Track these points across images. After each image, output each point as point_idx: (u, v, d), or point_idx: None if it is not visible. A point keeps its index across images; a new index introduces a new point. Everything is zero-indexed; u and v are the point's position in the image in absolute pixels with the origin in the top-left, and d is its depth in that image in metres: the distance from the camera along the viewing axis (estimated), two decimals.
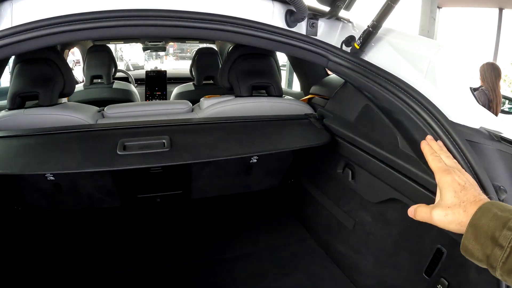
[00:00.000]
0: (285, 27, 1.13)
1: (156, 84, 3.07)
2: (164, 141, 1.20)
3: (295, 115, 1.54)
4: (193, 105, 1.61)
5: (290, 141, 1.42)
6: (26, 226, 1.62)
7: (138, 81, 3.40)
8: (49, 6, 0.94)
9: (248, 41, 1.05)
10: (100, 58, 2.72)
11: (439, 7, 5.09)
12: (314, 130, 1.45)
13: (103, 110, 1.40)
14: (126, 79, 3.25)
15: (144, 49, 3.83)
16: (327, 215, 1.61)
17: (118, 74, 3.19)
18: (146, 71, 3.19)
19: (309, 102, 1.73)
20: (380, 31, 1.06)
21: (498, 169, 0.82)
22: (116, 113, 1.38)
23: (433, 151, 0.67)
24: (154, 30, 0.98)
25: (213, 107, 1.44)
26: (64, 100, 1.87)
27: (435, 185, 0.93)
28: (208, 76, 2.81)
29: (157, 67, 4.45)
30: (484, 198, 0.55)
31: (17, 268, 1.37)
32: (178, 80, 3.45)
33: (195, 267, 1.50)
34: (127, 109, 1.44)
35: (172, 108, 1.49)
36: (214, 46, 3.56)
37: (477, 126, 0.88)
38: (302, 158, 1.77)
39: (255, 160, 1.70)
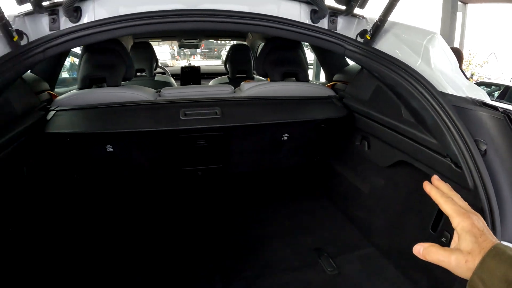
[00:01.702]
0: (310, 23, 1.42)
1: (190, 78, 3.38)
2: (216, 110, 1.53)
3: (320, 96, 1.83)
4: None
5: (315, 114, 1.71)
6: (83, 193, 1.94)
7: (173, 77, 3.76)
8: (120, 6, 1.26)
9: (282, 34, 1.35)
10: (143, 54, 3.06)
11: (465, 3, 5.18)
12: (335, 107, 1.74)
13: (160, 91, 1.73)
14: (162, 74, 3.61)
15: (180, 46, 4.19)
16: (347, 184, 1.89)
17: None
18: (181, 67, 3.54)
19: (333, 87, 2.01)
20: (386, 24, 1.33)
21: (480, 128, 1.06)
22: (172, 93, 1.70)
23: (443, 193, 0.59)
24: (210, 25, 1.29)
25: (252, 89, 1.74)
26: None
27: (434, 144, 1.20)
28: (241, 70, 3.12)
29: (190, 63, 4.81)
30: (497, 241, 0.52)
31: (72, 229, 1.72)
32: (210, 75, 3.78)
33: (234, 225, 1.82)
34: (181, 90, 1.78)
35: (218, 90, 1.81)
36: (246, 43, 3.84)
37: (463, 96, 1.14)
38: (325, 138, 2.04)
39: (286, 138, 1.98)
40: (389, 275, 1.46)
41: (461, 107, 1.10)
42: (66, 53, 2.17)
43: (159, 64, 3.77)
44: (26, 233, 1.40)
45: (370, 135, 1.66)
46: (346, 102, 1.77)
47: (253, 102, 1.69)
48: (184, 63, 9.61)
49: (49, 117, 1.48)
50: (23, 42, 1.13)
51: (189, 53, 10.71)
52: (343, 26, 1.51)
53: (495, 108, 1.07)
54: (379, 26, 1.32)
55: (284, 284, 1.43)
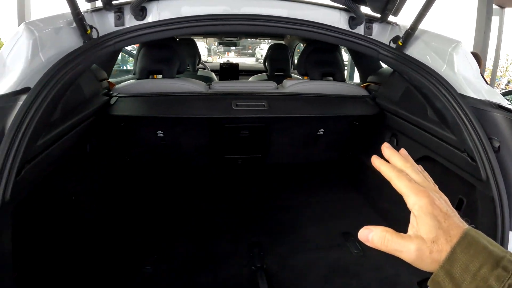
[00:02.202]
0: (348, 29, 1.59)
1: (229, 74, 3.56)
2: (264, 103, 1.74)
3: (354, 95, 1.99)
4: None
5: (349, 111, 1.88)
6: (130, 174, 2.17)
7: (215, 72, 4.00)
8: (181, 8, 1.46)
9: (323, 38, 1.53)
10: (187, 50, 3.31)
11: (502, 7, 5.09)
12: (368, 105, 1.90)
13: (210, 84, 1.95)
14: (203, 69, 3.86)
15: (220, 43, 4.44)
16: (375, 177, 2.03)
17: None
18: (220, 64, 3.76)
19: (366, 88, 2.16)
20: (417, 32, 1.48)
21: (494, 127, 1.20)
22: (221, 87, 1.92)
23: (395, 167, 0.48)
24: (258, 28, 1.49)
25: (294, 86, 1.93)
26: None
27: (453, 140, 1.35)
28: (279, 68, 3.29)
29: (229, 60, 5.06)
30: (467, 226, 0.43)
31: (118, 205, 1.94)
32: (247, 72, 4.00)
33: (270, 209, 2.02)
34: (229, 84, 2.00)
35: (263, 85, 2.01)
36: (284, 42, 4.01)
37: (482, 98, 1.28)
38: (358, 134, 2.18)
39: (321, 133, 2.14)
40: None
41: (479, 108, 1.24)
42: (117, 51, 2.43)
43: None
44: (83, 202, 1.62)
45: (398, 132, 1.81)
46: (378, 101, 1.92)
47: (295, 97, 1.87)
48: (220, 60, 9.91)
49: (112, 101, 1.72)
50: (94, 35, 1.32)
51: (223, 50, 10.99)
52: (378, 32, 1.67)
53: (509, 110, 1.20)
54: (410, 33, 1.47)
55: (315, 260, 1.60)
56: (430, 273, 0.42)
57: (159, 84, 1.84)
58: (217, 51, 11.42)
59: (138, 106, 1.75)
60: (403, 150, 0.51)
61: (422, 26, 1.51)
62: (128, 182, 2.12)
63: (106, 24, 1.45)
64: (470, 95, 1.29)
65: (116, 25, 1.45)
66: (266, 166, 2.40)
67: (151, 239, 1.71)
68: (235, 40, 4.02)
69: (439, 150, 1.45)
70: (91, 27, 1.33)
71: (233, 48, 11.43)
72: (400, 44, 1.53)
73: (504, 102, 1.29)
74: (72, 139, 1.34)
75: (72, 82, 1.22)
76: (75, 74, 1.20)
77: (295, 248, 1.68)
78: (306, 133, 2.14)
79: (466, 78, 1.33)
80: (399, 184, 0.46)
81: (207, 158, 2.24)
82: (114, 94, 1.77)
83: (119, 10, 1.44)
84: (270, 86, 1.95)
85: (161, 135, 1.98)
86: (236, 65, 3.70)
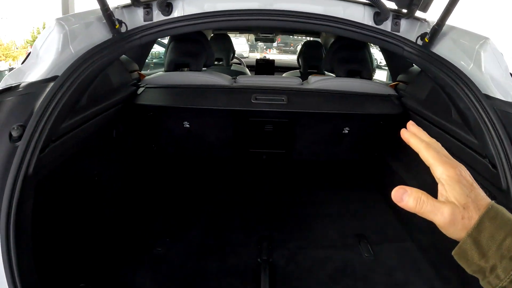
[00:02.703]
0: (373, 24, 1.55)
1: (264, 70, 3.62)
2: (283, 97, 1.75)
3: (379, 94, 1.94)
4: None
5: (372, 109, 1.83)
6: (157, 162, 2.28)
7: (248, 67, 4.05)
8: (205, 3, 1.50)
9: (344, 34, 1.50)
10: (221, 45, 3.38)
11: None
12: (391, 104, 1.85)
13: (236, 78, 1.99)
14: (238, 64, 3.92)
15: (256, 40, 4.48)
16: (398, 179, 1.97)
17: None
18: (256, 59, 3.79)
19: (395, 87, 2.09)
20: (445, 28, 1.41)
21: None
22: (246, 80, 1.95)
23: (423, 140, 0.50)
24: (279, 23, 1.49)
25: (318, 82, 1.92)
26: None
27: (475, 144, 1.27)
28: (313, 65, 3.28)
29: (265, 56, 5.09)
30: (491, 200, 0.44)
31: (144, 190, 2.04)
32: (283, 68, 4.00)
33: (287, 204, 2.03)
34: (253, 78, 2.03)
35: (287, 81, 2.02)
36: (319, 40, 3.98)
37: (510, 101, 1.20)
38: (383, 135, 2.12)
39: (347, 131, 2.11)
40: (422, 268, 1.55)
41: (505, 111, 1.15)
42: (154, 40, 2.55)
43: (236, 56, 4.09)
44: (105, 183, 1.71)
45: None
46: (404, 101, 1.85)
47: (318, 93, 1.86)
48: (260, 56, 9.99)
49: (139, 92, 1.83)
50: (123, 30, 1.41)
51: (264, 46, 11.07)
52: (406, 29, 1.60)
53: None
54: (437, 30, 1.41)
55: (323, 258, 1.59)
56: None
57: (186, 76, 1.92)
58: (258, 47, 11.52)
59: (163, 97, 1.84)
60: (424, 132, 0.53)
61: (453, 23, 1.44)
62: (153, 169, 2.23)
63: (136, 19, 1.53)
64: (496, 97, 1.21)
65: (145, 20, 1.53)
66: (291, 163, 2.40)
67: (166, 223, 1.80)
68: (271, 36, 4.03)
69: (460, 155, 1.38)
70: (120, 22, 1.42)
71: (274, 45, 11.52)
72: (427, 41, 1.47)
73: None
74: (98, 124, 1.44)
75: (98, 72, 1.31)
76: (102, 65, 1.29)
77: (305, 245, 1.68)
78: (331, 131, 2.11)
79: (494, 78, 1.24)
80: (427, 155, 0.48)
81: (232, 150, 2.28)
82: (142, 85, 1.87)
83: (147, 6, 1.52)
84: (294, 82, 1.95)
85: (187, 125, 2.06)
86: (272, 61, 3.72)
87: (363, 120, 2.03)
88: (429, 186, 1.61)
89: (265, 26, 1.50)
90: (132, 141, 2.00)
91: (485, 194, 0.45)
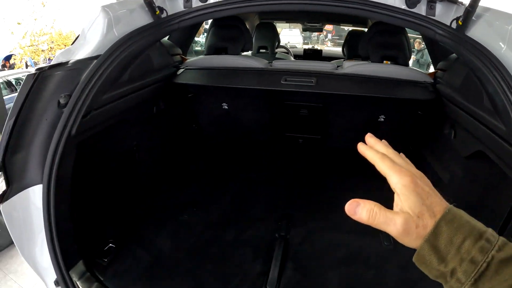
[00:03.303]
0: (405, 7, 1.52)
1: (311, 59, 3.67)
2: (312, 80, 1.79)
3: (414, 80, 1.88)
4: None
5: (403, 94, 1.79)
6: (196, 140, 2.43)
7: (296, 57, 4.08)
8: None
9: (377, 18, 1.48)
10: (266, 33, 3.46)
11: None
12: (425, 90, 1.79)
13: (271, 62, 2.06)
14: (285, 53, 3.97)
15: (304, 30, 4.50)
16: (430, 170, 1.91)
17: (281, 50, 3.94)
18: (304, 49, 3.84)
19: (435, 75, 2.01)
20: (480, 10, 1.34)
21: None
22: (281, 64, 2.02)
23: (378, 152, 0.51)
24: (307, 7, 1.53)
25: (352, 67, 1.92)
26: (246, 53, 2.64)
27: (503, 131, 1.20)
28: (356, 55, 3.24)
29: (314, 46, 5.08)
30: (449, 204, 0.44)
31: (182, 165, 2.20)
32: (331, 58, 3.98)
33: (316, 188, 2.07)
34: (289, 63, 2.09)
35: (321, 65, 2.03)
36: (366, 29, 3.89)
37: None
38: (421, 125, 2.06)
39: (382, 119, 2.08)
40: None
41: None
42: (197, 27, 2.67)
43: (288, 46, 4.15)
44: (143, 151, 1.87)
45: (456, 123, 1.67)
46: (439, 87, 1.79)
47: (349, 77, 1.87)
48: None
49: (179, 72, 1.98)
50: (163, 15, 1.54)
51: (316, 38, 10.96)
52: (441, 12, 1.53)
53: None
54: (470, 11, 1.34)
55: (339, 242, 1.62)
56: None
57: (223, 59, 2.04)
58: (313, 40, 11.43)
59: (200, 77, 1.99)
60: (384, 141, 0.55)
61: (490, 4, 1.37)
62: (191, 146, 2.40)
63: (176, 6, 1.65)
64: None
65: (184, 7, 1.66)
66: (325, 149, 2.42)
67: (195, 194, 1.95)
68: (318, 26, 4.01)
69: (491, 144, 1.32)
70: (161, 8, 1.57)
71: (329, 37, 11.32)
72: (460, 24, 1.41)
73: None
74: (138, 99, 1.62)
75: (139, 52, 1.47)
76: (142, 46, 1.44)
77: (325, 227, 1.71)
78: (366, 118, 2.09)
79: None
80: (382, 165, 0.49)
81: (269, 134, 2.37)
82: (182, 67, 2.03)
83: None
84: (327, 66, 1.97)
85: (226, 107, 2.18)
86: (320, 51, 3.75)
87: (398, 108, 1.98)
88: (459, 178, 1.54)
89: (294, 10, 1.53)
90: (172, 119, 2.17)
91: (442, 199, 0.45)
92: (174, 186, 2.01)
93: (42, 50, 15.34)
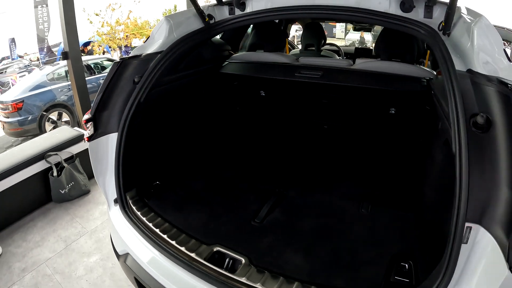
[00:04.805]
0: (401, 13, 1.74)
1: (361, 57, 3.88)
2: (320, 73, 2.17)
3: (413, 76, 2.08)
4: None
5: (399, 87, 2.03)
6: (238, 120, 2.91)
7: (348, 55, 4.32)
8: (268, 2, 1.99)
9: (372, 22, 1.81)
10: (313, 32, 3.78)
11: None
12: (418, 84, 2.02)
13: (299, 58, 2.46)
14: (337, 52, 4.26)
15: (354, 29, 4.72)
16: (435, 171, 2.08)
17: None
18: (355, 48, 4.08)
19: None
20: (463, 11, 1.55)
21: (490, 102, 1.16)
22: (305, 60, 2.39)
23: None
24: (322, 15, 1.92)
25: (362, 64, 2.22)
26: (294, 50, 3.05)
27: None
28: (392, 53, 3.41)
29: (367, 45, 5.24)
30: None
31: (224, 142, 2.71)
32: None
33: (324, 165, 2.44)
34: (312, 59, 2.46)
35: (337, 62, 2.38)
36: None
37: (495, 75, 1.25)
38: (429, 122, 2.18)
39: (393, 112, 2.30)
40: (408, 229, 1.73)
41: (478, 82, 1.23)
42: (244, 28, 3.15)
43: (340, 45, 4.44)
44: (193, 123, 2.42)
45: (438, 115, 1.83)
46: (431, 82, 1.98)
47: (353, 72, 2.18)
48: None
49: (224, 64, 2.51)
50: (212, 21, 2.07)
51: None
52: (439, 15, 1.69)
53: (506, 84, 1.17)
54: (449, 13, 1.52)
55: (327, 201, 1.97)
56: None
57: (259, 55, 2.52)
58: None
59: (240, 68, 2.49)
60: None
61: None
62: (234, 124, 2.91)
63: (222, 14, 2.18)
64: (480, 71, 1.29)
65: (229, 14, 2.18)
66: (346, 136, 2.68)
67: (228, 157, 2.51)
68: (367, 26, 4.22)
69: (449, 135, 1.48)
70: (210, 16, 2.11)
71: None
72: (443, 25, 1.60)
73: None
74: (191, 83, 2.18)
75: (192, 48, 2.02)
76: (194, 44, 1.99)
77: (318, 191, 2.08)
78: (378, 109, 2.33)
79: (483, 54, 1.33)
80: None
81: (299, 118, 2.74)
82: (228, 60, 2.55)
83: (230, 4, 2.15)
84: (343, 63, 2.29)
85: (263, 94, 2.66)
86: (370, 49, 3.97)
87: (404, 101, 2.18)
88: (439, 165, 1.77)
89: (305, 18, 1.90)
90: (219, 101, 2.71)
91: None
92: (212, 150, 2.55)
93: (119, 39, 17.22)
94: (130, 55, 1.83)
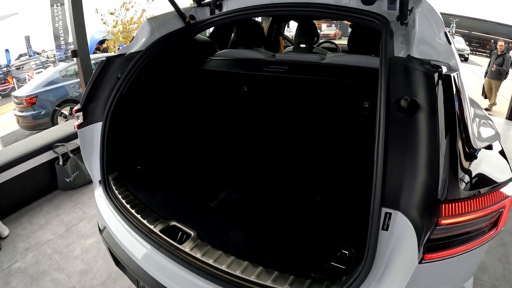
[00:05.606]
0: (361, 6, 1.81)
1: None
2: (286, 67, 2.30)
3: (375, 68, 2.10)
4: None
5: (375, 79, 2.06)
6: (220, 113, 3.03)
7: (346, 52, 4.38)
8: (242, 3, 2.16)
9: (328, 17, 1.94)
10: (305, 30, 3.86)
11: None
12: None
13: (275, 54, 2.57)
14: (334, 49, 4.34)
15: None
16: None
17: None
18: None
19: None
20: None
21: (416, 85, 1.18)
22: (280, 56, 2.52)
23: None
24: (295, 11, 2.05)
25: (331, 58, 2.30)
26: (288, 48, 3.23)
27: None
28: (362, 47, 3.45)
29: None
30: None
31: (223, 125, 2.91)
32: None
33: (294, 156, 2.58)
34: (284, 55, 2.58)
35: (309, 56, 2.43)
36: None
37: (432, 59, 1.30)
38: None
39: (367, 105, 2.31)
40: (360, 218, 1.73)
41: (410, 67, 1.24)
42: (227, 27, 3.21)
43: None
44: (173, 115, 2.61)
45: None
46: None
47: (323, 66, 2.27)
48: None
49: (206, 61, 2.68)
50: (193, 21, 2.25)
51: None
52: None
53: (436, 67, 1.20)
54: (403, 2, 1.54)
55: (284, 189, 2.10)
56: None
57: (239, 52, 2.66)
58: None
59: (219, 65, 2.65)
60: None
61: None
62: (216, 117, 3.07)
63: (204, 14, 2.37)
64: (417, 56, 1.30)
65: (210, 15, 2.37)
66: (320, 129, 2.74)
67: (208, 147, 2.70)
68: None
69: None
70: (192, 16, 2.31)
71: None
72: (399, 14, 1.62)
73: (454, 61, 1.33)
74: (173, 78, 2.38)
75: (171, 47, 2.20)
76: (171, 43, 2.16)
77: (280, 181, 2.21)
78: (352, 103, 2.36)
79: (423, 39, 1.35)
80: None
81: (277, 113, 2.85)
82: (209, 57, 2.72)
83: (209, 5, 2.33)
84: (315, 58, 2.37)
85: (246, 89, 2.80)
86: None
87: (375, 95, 2.26)
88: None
89: (270, 15, 2.01)
90: (201, 95, 2.87)
91: None
92: (191, 140, 2.73)
93: (133, 37, 17.59)
94: (116, 53, 2.05)
